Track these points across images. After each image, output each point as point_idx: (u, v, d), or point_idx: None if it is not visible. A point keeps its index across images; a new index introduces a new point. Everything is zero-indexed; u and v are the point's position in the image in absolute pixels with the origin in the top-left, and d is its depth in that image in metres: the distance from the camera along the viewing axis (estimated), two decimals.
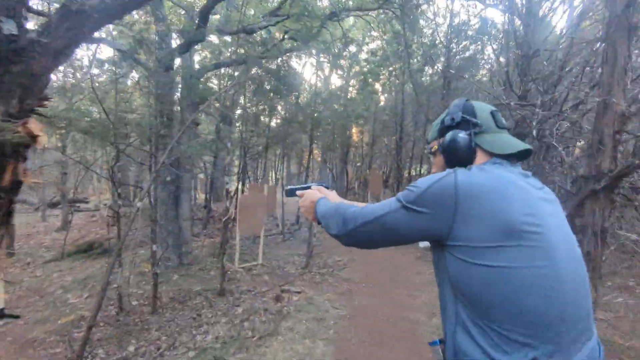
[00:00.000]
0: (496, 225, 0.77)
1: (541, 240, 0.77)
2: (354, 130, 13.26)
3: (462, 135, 0.96)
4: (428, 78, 10.54)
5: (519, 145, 0.94)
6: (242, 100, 6.33)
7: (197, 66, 6.50)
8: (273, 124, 10.97)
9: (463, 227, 0.80)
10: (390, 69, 10.54)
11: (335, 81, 16.85)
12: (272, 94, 5.60)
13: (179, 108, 5.40)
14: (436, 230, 0.84)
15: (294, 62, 10.32)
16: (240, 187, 7.19)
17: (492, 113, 0.99)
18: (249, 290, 4.73)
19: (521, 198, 0.80)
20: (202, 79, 5.56)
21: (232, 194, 5.33)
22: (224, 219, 4.42)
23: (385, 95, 13.47)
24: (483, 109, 0.99)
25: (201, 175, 12.41)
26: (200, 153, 3.19)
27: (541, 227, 0.78)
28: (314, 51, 8.87)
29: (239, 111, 6.16)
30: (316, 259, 6.39)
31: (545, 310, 0.75)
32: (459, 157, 0.95)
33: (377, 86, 12.39)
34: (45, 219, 11.00)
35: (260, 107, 6.81)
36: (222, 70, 6.22)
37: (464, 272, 0.81)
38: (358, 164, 15.16)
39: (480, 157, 0.95)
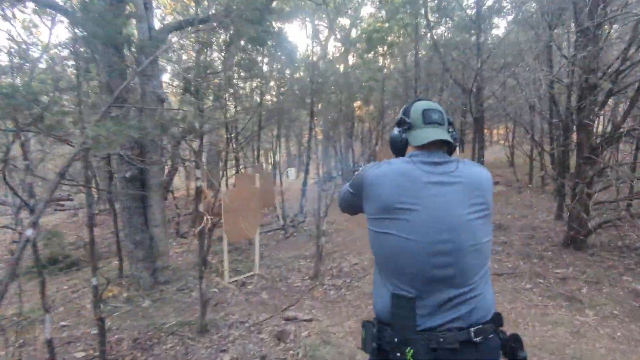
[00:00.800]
0: (380, 203, 1.09)
1: (411, 216, 1.04)
2: (358, 102, 11.74)
3: (395, 132, 1.27)
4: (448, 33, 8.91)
5: (430, 137, 1.13)
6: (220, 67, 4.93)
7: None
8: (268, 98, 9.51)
9: (366, 203, 1.16)
10: (401, 24, 8.85)
11: (335, 48, 15.02)
12: (251, 46, 4.21)
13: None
14: (359, 204, 1.22)
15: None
16: (224, 179, 5.86)
17: (423, 111, 1.19)
18: (241, 322, 3.49)
19: (404, 185, 1.07)
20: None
21: (205, 194, 4.04)
22: (196, 230, 3.12)
23: (395, 58, 11.73)
24: (417, 108, 1.21)
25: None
26: (120, 137, 1.86)
27: (415, 205, 1.04)
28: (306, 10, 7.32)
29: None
30: (327, 262, 5.13)
31: (409, 267, 1.04)
32: (393, 149, 1.29)
33: (383, 50, 10.76)
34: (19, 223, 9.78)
35: (242, 74, 5.38)
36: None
37: (370, 235, 1.15)
38: (366, 140, 13.77)
39: (410, 149, 1.22)
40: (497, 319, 1.08)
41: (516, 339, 1.07)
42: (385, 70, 11.31)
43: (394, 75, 10.95)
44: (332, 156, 13.84)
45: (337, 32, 10.98)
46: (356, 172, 1.44)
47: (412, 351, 0.97)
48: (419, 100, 1.26)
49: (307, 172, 8.77)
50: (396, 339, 1.00)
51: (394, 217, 1.05)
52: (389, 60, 11.83)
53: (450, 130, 1.22)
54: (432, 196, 1.05)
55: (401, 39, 10.01)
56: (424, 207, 1.04)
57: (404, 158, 1.16)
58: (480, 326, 1.01)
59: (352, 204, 1.29)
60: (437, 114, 1.18)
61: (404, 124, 1.21)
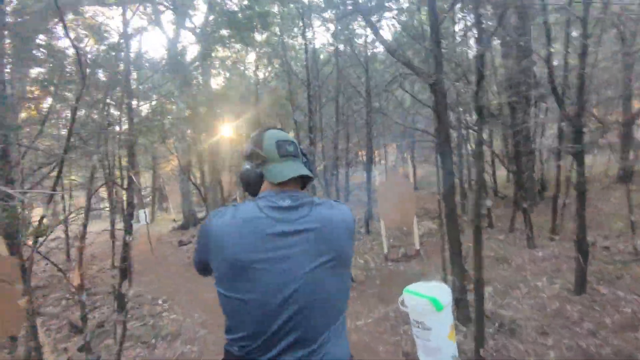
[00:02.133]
0: (223, 261, 0.97)
1: (254, 275, 0.94)
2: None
3: (247, 167, 1.12)
4: None
5: (291, 173, 1.06)
6: None
7: None
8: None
9: (211, 261, 1.01)
10: None
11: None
12: None
13: None
14: (207, 264, 1.05)
15: None
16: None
17: (277, 142, 1.10)
18: None
19: (247, 237, 0.96)
20: None
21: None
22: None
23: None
24: (270, 138, 1.11)
25: None
26: None
27: (258, 263, 0.95)
28: None
29: None
30: None
31: (254, 331, 0.95)
32: (246, 186, 1.13)
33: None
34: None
35: None
36: None
37: (220, 298, 1.01)
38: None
39: (266, 185, 1.10)
40: None
41: None
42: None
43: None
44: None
45: None
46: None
47: None
48: (268, 129, 1.16)
49: None
50: None
51: (237, 277, 0.96)
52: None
53: (304, 161, 1.15)
54: (276, 249, 0.96)
55: None
56: (266, 263, 0.95)
57: (251, 201, 1.05)
58: None
59: (201, 263, 1.09)
60: (292, 145, 1.12)
61: (257, 158, 1.10)
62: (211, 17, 8.59)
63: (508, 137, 7.62)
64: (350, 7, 5.92)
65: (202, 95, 8.11)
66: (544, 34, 4.47)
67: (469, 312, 3.16)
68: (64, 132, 6.06)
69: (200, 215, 11.76)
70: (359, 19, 7.43)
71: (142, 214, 12.07)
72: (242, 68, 11.73)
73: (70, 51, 4.71)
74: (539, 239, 5.42)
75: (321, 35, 33.59)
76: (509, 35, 5.32)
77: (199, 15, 14.06)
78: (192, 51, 10.18)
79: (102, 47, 5.74)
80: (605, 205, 6.54)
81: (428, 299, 1.45)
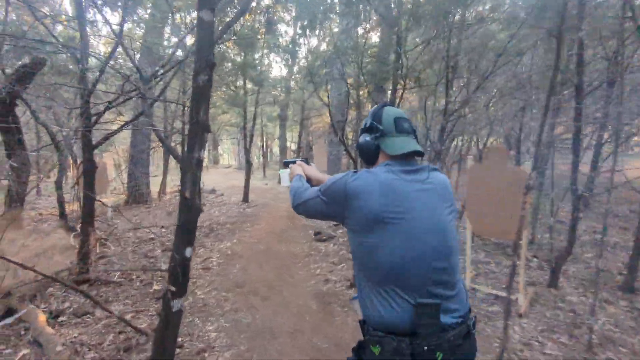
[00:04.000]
0: (367, 215, 1.09)
1: (400, 225, 1.07)
2: None
3: (367, 138, 1.26)
4: None
5: (407, 147, 1.19)
6: None
7: None
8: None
9: (351, 215, 1.14)
10: None
11: None
12: None
13: None
14: (336, 215, 1.21)
15: None
16: None
17: (395, 119, 1.23)
18: None
19: (390, 195, 1.09)
20: None
21: None
22: None
23: None
24: (389, 115, 1.24)
25: None
26: None
27: (406, 214, 1.08)
28: None
29: None
30: None
31: (415, 275, 1.07)
32: (365, 156, 1.28)
33: None
34: None
35: None
36: None
37: (355, 245, 1.16)
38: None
39: (382, 157, 1.24)
40: (470, 308, 1.18)
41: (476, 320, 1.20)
42: None
43: None
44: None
45: None
46: (292, 165, 1.71)
47: (440, 355, 1.01)
48: (386, 105, 1.29)
49: None
50: (425, 347, 1.01)
51: (386, 228, 1.07)
52: None
53: (415, 138, 1.27)
54: (418, 204, 1.10)
55: None
56: (413, 215, 1.08)
57: (382, 167, 1.17)
58: (471, 318, 1.13)
59: (324, 213, 1.26)
60: (407, 123, 1.24)
61: (376, 131, 1.23)
62: None
63: None
64: None
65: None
66: None
67: None
68: None
69: None
70: None
71: (285, 174, 13.29)
72: None
73: None
74: None
75: None
76: None
77: None
78: None
79: None
80: None
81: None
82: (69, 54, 3.58)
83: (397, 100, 4.76)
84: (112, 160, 8.94)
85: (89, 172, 3.78)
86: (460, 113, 4.64)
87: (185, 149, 1.74)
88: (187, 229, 1.70)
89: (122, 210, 7.58)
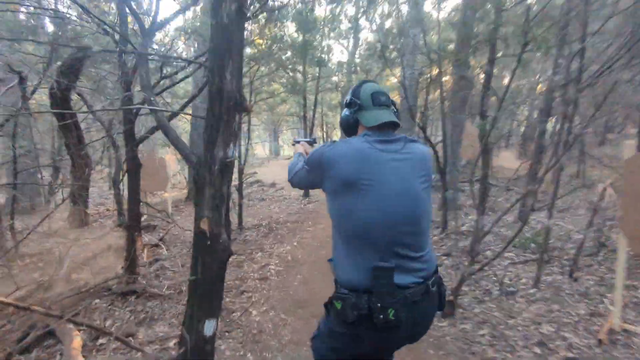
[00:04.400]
0: (341, 180, 1.18)
1: (375, 191, 1.15)
2: None
3: (347, 112, 1.38)
4: None
5: (382, 119, 1.27)
6: None
7: None
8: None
9: (327, 180, 1.24)
10: None
11: None
12: None
13: None
14: (317, 181, 1.31)
15: None
16: None
17: (372, 94, 1.32)
18: None
19: (363, 162, 1.17)
20: None
21: None
22: None
23: None
24: (366, 90, 1.34)
25: None
26: None
27: (376, 181, 1.15)
28: None
29: None
30: None
31: (382, 237, 1.15)
32: (345, 129, 1.40)
33: None
34: None
35: None
36: None
37: (332, 209, 1.25)
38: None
39: (360, 129, 1.35)
40: (437, 269, 1.29)
41: (441, 280, 1.30)
42: None
43: None
44: None
45: None
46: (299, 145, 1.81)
47: (392, 311, 1.11)
48: (366, 82, 1.39)
49: None
50: (379, 304, 1.11)
51: (358, 192, 1.15)
52: None
53: (394, 111, 1.35)
54: (389, 171, 1.18)
55: None
56: (384, 181, 1.16)
57: (358, 137, 1.25)
58: (433, 278, 1.23)
59: (308, 180, 1.39)
60: (384, 96, 1.33)
61: (354, 105, 1.34)
62: None
63: None
64: None
65: None
66: None
67: None
68: None
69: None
70: None
71: None
72: None
73: None
74: None
75: None
76: None
77: None
78: None
79: None
80: None
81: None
82: (106, 33, 3.07)
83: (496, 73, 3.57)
84: (176, 155, 8.90)
85: (134, 170, 3.33)
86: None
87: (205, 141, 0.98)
88: (208, 288, 0.94)
89: (183, 207, 7.44)
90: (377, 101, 1.29)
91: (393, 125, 1.29)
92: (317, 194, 8.69)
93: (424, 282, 1.18)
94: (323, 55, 8.22)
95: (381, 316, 1.10)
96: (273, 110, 12.92)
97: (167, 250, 4.68)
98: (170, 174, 7.08)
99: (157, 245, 4.79)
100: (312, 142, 1.88)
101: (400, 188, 1.16)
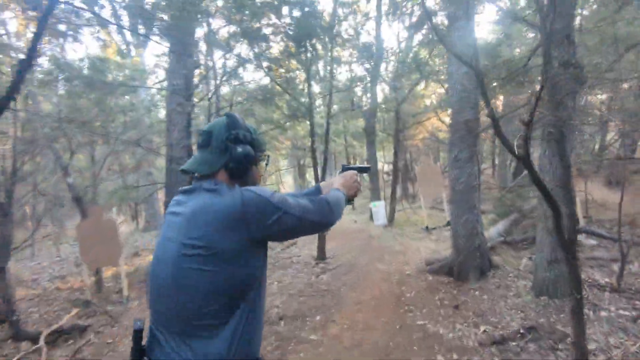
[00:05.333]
0: None
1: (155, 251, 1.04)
2: None
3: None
4: None
5: (186, 165, 1.07)
6: None
7: None
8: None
9: None
10: None
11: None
12: None
13: None
14: None
15: None
16: None
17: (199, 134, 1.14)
18: None
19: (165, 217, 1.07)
20: None
21: None
22: None
23: None
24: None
25: None
26: None
27: (158, 240, 1.04)
28: None
29: None
30: None
31: (151, 301, 1.02)
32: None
33: None
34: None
35: None
36: None
37: None
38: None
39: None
40: None
41: None
42: None
43: None
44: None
45: None
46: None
47: None
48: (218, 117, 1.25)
49: None
50: None
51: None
52: None
53: (221, 149, 1.07)
54: (164, 230, 1.03)
55: None
56: (157, 242, 1.04)
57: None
58: None
59: None
60: (202, 135, 1.10)
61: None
62: None
63: None
64: None
65: None
66: None
67: None
68: None
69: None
70: None
71: (381, 208, 8.01)
72: None
73: None
74: None
75: None
76: None
77: None
78: None
79: None
80: None
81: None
82: None
83: None
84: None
85: None
86: None
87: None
88: None
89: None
90: (198, 143, 1.12)
91: (185, 172, 1.09)
92: (338, 255, 6.24)
93: None
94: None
95: None
96: (271, 140, 10.73)
97: None
98: (122, 240, 5.02)
99: None
100: (366, 170, 1.53)
101: (161, 251, 1.00)
